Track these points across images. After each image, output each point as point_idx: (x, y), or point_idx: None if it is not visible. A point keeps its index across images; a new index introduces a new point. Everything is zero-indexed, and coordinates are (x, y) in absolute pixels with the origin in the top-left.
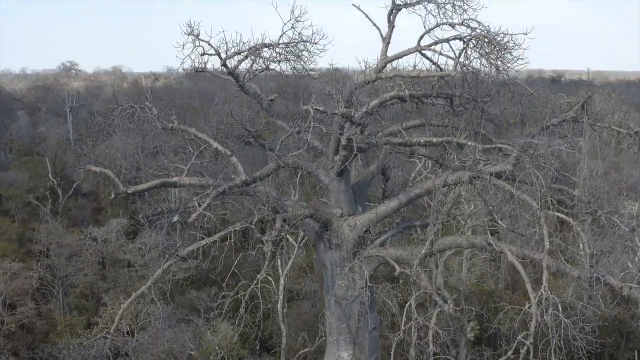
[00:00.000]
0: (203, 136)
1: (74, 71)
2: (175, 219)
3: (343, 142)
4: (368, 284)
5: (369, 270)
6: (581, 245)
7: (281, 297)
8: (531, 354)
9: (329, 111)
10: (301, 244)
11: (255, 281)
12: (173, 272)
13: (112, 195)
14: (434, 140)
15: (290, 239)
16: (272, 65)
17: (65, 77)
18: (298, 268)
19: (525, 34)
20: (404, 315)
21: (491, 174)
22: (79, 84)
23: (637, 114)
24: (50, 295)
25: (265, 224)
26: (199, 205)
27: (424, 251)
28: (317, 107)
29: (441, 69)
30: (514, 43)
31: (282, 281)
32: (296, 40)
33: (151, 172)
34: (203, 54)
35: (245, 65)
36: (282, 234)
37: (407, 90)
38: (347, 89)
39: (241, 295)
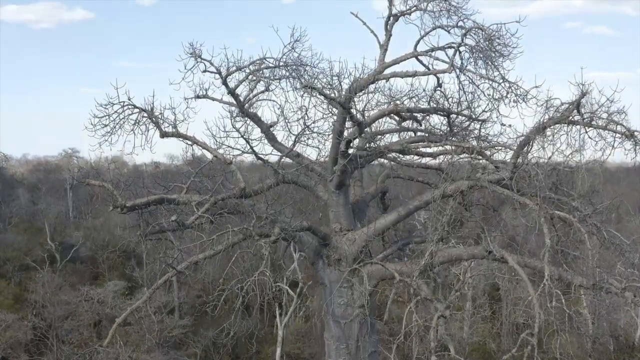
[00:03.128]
0: (202, 143)
1: (75, 158)
2: (173, 218)
3: (342, 147)
4: (368, 301)
5: (369, 288)
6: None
7: (279, 349)
8: (535, 352)
9: (328, 95)
10: (300, 295)
11: (253, 276)
12: (170, 328)
13: (110, 208)
14: (432, 145)
15: (290, 291)
16: (273, 86)
17: (66, 163)
18: (296, 332)
19: (518, 21)
20: (404, 319)
21: (490, 182)
22: (81, 170)
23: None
24: (44, 347)
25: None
26: (197, 209)
27: (423, 262)
28: (314, 86)
29: (437, 78)
30: (507, 32)
31: (280, 332)
32: (296, 64)
33: (150, 191)
34: (205, 71)
35: (245, 88)
36: (280, 238)
37: (405, 106)
38: (347, 89)
39: (237, 289)
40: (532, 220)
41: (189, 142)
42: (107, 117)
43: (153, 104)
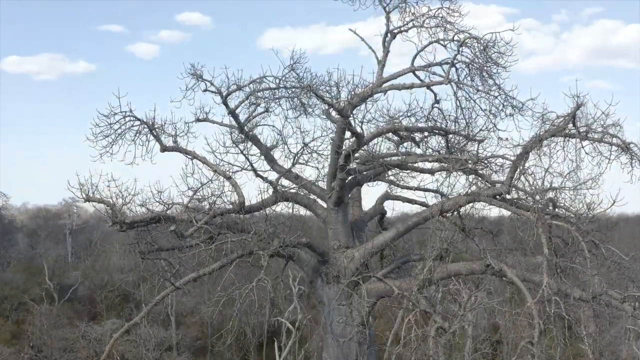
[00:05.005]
0: (202, 158)
1: (75, 207)
2: (172, 227)
3: (341, 161)
4: (367, 319)
5: (367, 306)
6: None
7: None
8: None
9: (327, 100)
10: (299, 329)
11: (251, 284)
12: None
13: (110, 224)
14: (430, 159)
15: (289, 325)
16: (273, 105)
17: (66, 213)
18: None
19: (513, 30)
20: (403, 330)
21: (488, 196)
22: (81, 218)
23: None
24: None
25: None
26: (197, 221)
27: (422, 277)
28: (312, 89)
29: (434, 92)
30: (502, 40)
31: None
32: (295, 86)
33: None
34: (205, 90)
35: (245, 110)
36: (279, 250)
37: (402, 125)
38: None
39: (236, 294)
40: (531, 233)
41: (189, 157)
42: (108, 126)
43: (154, 118)
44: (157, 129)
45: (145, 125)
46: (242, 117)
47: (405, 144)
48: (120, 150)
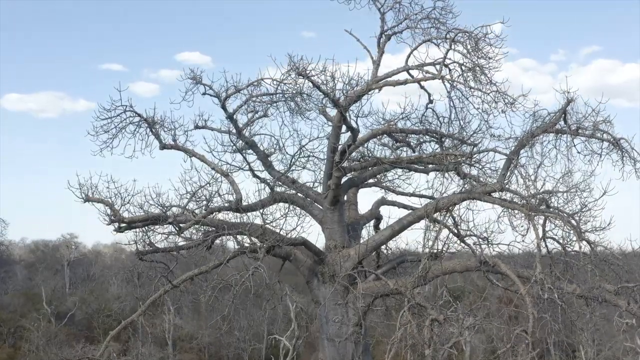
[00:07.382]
0: (201, 156)
1: (74, 243)
2: (169, 220)
3: (336, 158)
4: (362, 320)
5: (363, 306)
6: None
7: None
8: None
9: (324, 90)
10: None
11: (248, 272)
12: None
13: (108, 222)
14: (424, 156)
15: (286, 342)
16: (271, 111)
17: (64, 248)
18: None
19: (503, 22)
20: (398, 322)
21: (481, 194)
22: (79, 251)
23: None
24: None
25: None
26: (194, 216)
27: (417, 274)
28: (308, 75)
29: (428, 93)
30: (493, 33)
31: None
32: (293, 92)
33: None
34: (204, 94)
35: (244, 115)
36: (275, 247)
37: (397, 127)
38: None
39: (233, 281)
40: (523, 229)
41: (188, 154)
42: (109, 120)
43: (154, 117)
44: (156, 126)
45: (145, 122)
46: (241, 122)
47: (400, 150)
48: (120, 145)
